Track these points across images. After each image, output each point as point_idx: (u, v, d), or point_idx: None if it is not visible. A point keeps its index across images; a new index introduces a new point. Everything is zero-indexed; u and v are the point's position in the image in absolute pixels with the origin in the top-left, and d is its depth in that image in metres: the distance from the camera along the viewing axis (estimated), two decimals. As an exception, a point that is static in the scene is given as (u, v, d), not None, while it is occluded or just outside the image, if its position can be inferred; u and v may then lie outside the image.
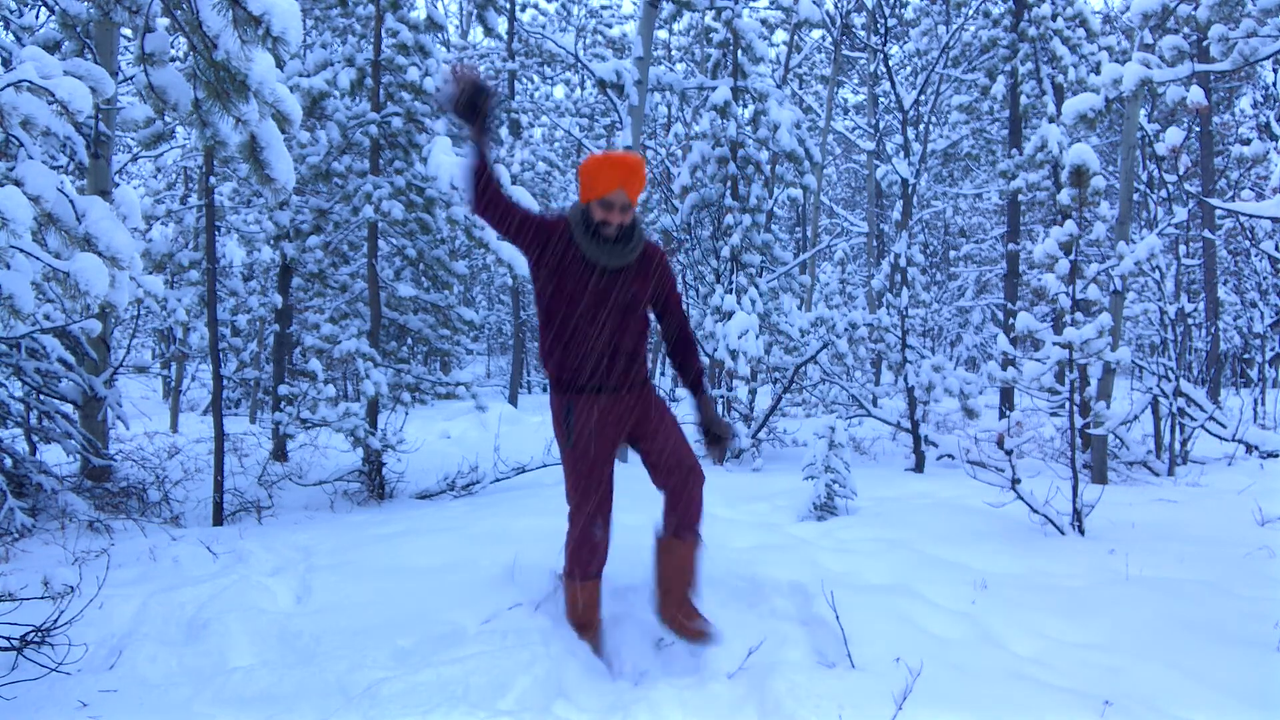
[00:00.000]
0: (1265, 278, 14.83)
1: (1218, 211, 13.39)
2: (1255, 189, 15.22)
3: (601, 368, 3.25)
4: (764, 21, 14.84)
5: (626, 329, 3.26)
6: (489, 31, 11.70)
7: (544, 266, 3.21)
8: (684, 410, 7.34)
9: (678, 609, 3.32)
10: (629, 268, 3.24)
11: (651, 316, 3.42)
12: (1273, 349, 12.36)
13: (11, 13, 8.31)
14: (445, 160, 6.70)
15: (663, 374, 18.31)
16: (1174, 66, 5.32)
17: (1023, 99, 12.72)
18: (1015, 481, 4.87)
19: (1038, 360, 5.17)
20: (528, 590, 3.79)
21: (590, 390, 3.26)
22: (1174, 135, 5.77)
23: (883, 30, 14.81)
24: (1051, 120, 11.96)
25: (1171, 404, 8.06)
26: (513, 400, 17.62)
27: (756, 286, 9.37)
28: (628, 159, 3.18)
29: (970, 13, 13.50)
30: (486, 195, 3.11)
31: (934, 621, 3.37)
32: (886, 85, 16.86)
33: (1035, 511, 4.83)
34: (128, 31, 7.35)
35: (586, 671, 3.16)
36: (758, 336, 8.47)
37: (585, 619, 3.38)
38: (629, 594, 3.70)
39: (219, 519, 6.13)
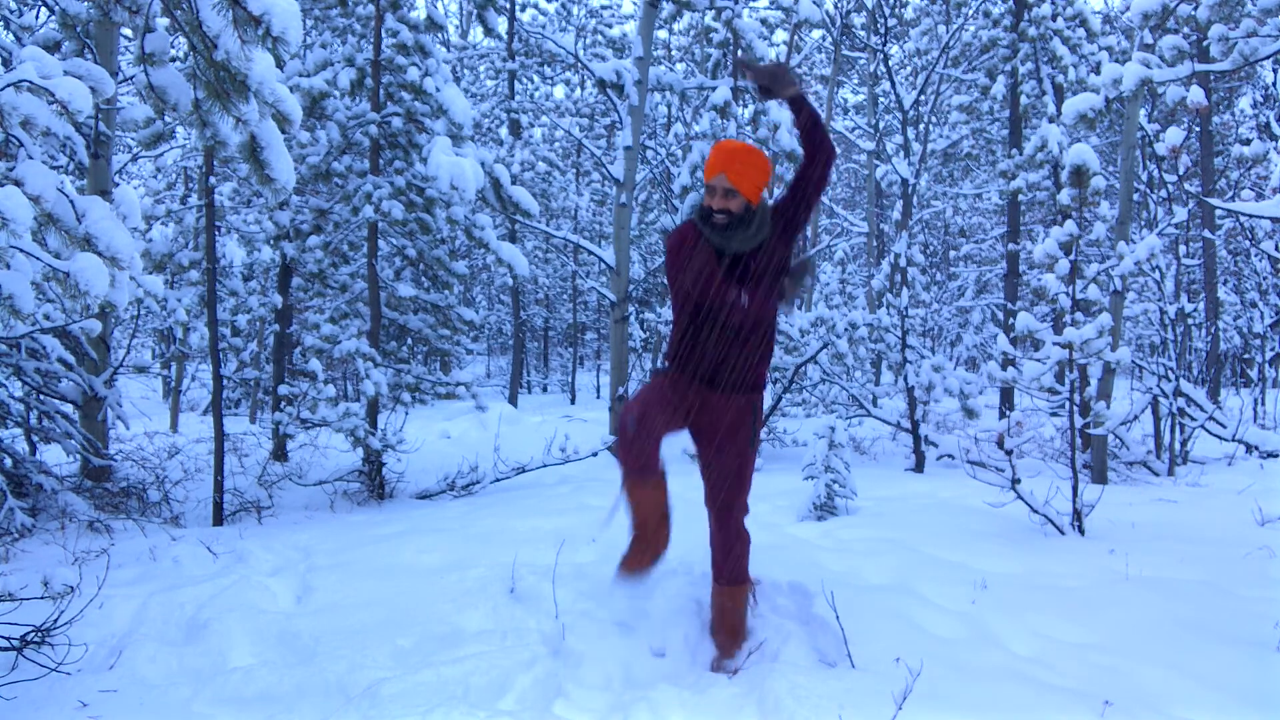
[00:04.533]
0: (1265, 278, 14.82)
1: (1218, 211, 13.39)
2: (1255, 189, 15.22)
3: (719, 361, 3.13)
4: (764, 21, 14.80)
5: (754, 322, 3.09)
6: (489, 31, 11.67)
7: (678, 268, 3.11)
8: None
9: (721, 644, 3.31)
10: (757, 255, 3.12)
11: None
12: (1273, 349, 12.36)
13: (11, 13, 8.31)
14: (445, 160, 6.69)
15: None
16: (1174, 66, 5.32)
17: (1023, 99, 12.72)
18: (1015, 481, 4.87)
19: (1038, 360, 5.17)
20: (528, 591, 3.79)
21: (701, 380, 3.14)
22: (1174, 135, 5.77)
23: (883, 30, 14.82)
24: (1051, 120, 11.96)
25: (1171, 404, 8.07)
26: (513, 400, 17.63)
27: (756, 286, 9.36)
28: (729, 144, 3.11)
29: (970, 13, 13.49)
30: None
31: (934, 621, 3.37)
32: (886, 85, 16.85)
33: (1035, 511, 4.83)
34: (128, 31, 7.35)
35: (586, 672, 3.16)
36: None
37: (641, 538, 3.16)
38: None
39: (219, 519, 6.13)
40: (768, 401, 9.72)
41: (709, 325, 3.11)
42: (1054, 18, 12.34)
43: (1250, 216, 7.43)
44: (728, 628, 3.31)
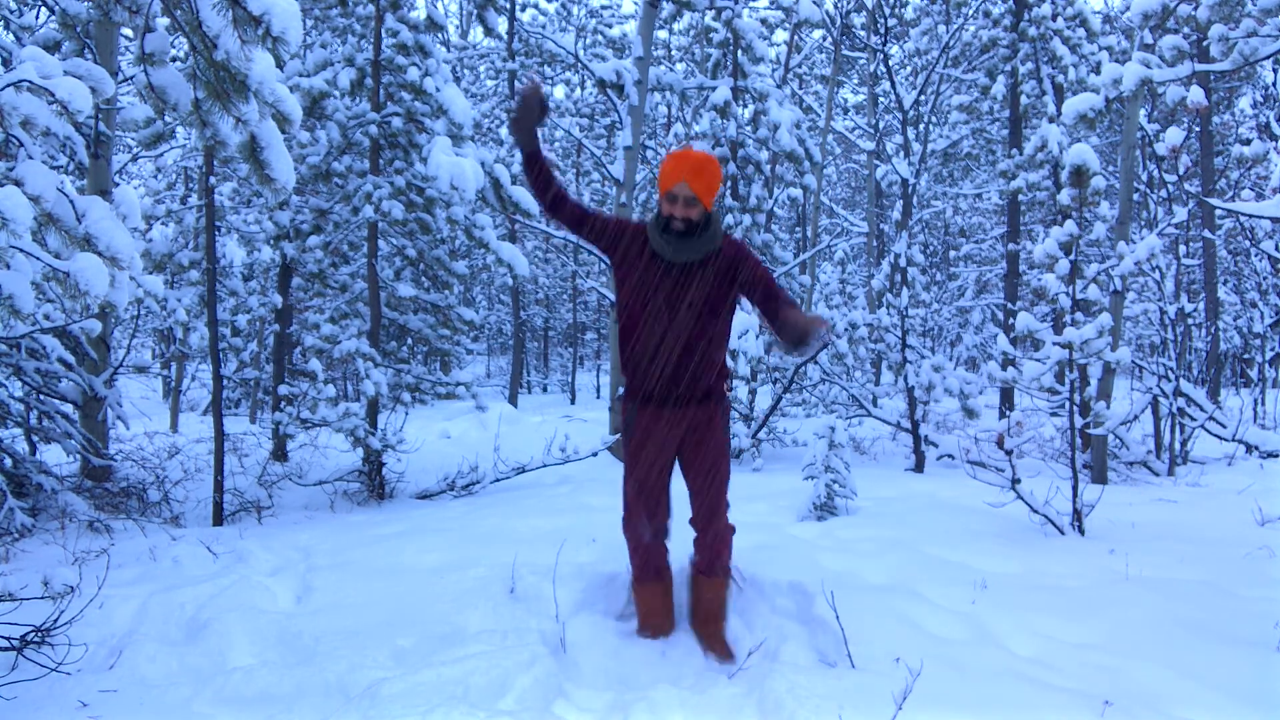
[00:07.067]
0: (1265, 278, 14.82)
1: (1218, 211, 13.40)
2: (1255, 189, 15.22)
3: (666, 374, 3.24)
4: (764, 21, 14.81)
5: (698, 333, 3.22)
6: (489, 31, 11.69)
7: (621, 265, 3.31)
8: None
9: (705, 627, 3.45)
10: (704, 267, 3.21)
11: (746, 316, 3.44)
12: (1273, 349, 12.36)
13: (11, 13, 8.31)
14: (445, 160, 6.69)
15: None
16: (1174, 66, 5.32)
17: (1023, 99, 12.72)
18: (1015, 481, 4.87)
19: (1038, 360, 5.17)
20: (528, 591, 3.79)
21: (654, 402, 3.29)
22: (1174, 135, 5.76)
23: (883, 30, 14.82)
24: (1051, 120, 11.96)
25: (1171, 404, 8.07)
26: (513, 400, 17.63)
27: (756, 286, 9.36)
28: (691, 154, 3.20)
29: (970, 13, 13.49)
30: (549, 192, 3.28)
31: (934, 621, 3.37)
32: (886, 85, 16.85)
33: (1035, 511, 4.83)
34: (128, 31, 7.35)
35: (586, 672, 3.16)
36: (758, 336, 8.46)
37: (647, 622, 3.46)
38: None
39: (219, 519, 6.12)
40: (767, 401, 9.72)
41: (650, 336, 3.24)
42: (1054, 18, 12.34)
43: (1250, 216, 7.42)
44: (709, 614, 3.44)
